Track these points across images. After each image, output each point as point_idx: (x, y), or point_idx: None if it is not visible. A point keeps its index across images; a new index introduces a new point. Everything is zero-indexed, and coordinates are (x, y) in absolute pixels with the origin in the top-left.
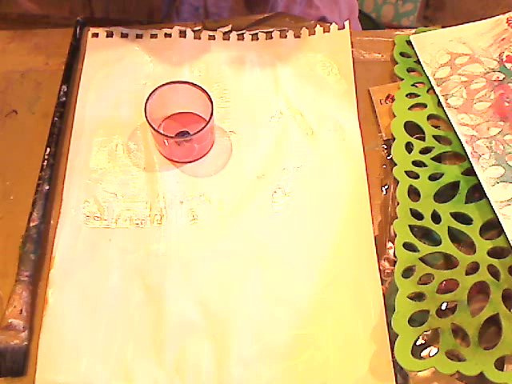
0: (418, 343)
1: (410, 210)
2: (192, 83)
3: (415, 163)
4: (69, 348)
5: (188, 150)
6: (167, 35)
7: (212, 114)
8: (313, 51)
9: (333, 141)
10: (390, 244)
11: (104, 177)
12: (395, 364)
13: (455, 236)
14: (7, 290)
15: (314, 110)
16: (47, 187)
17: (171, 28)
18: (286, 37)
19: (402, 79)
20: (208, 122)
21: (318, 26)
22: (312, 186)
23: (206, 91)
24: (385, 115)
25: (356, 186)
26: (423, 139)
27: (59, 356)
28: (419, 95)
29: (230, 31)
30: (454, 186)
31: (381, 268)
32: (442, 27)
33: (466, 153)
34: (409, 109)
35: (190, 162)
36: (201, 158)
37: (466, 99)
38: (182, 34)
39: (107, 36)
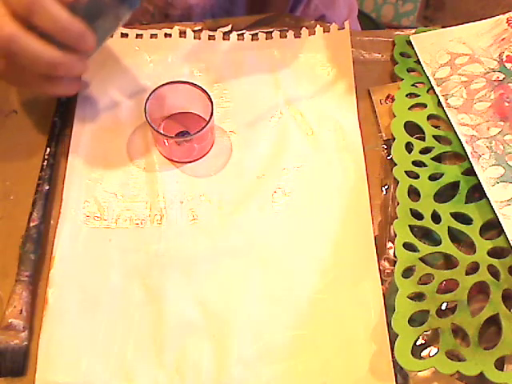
0: (418, 343)
1: (410, 209)
2: (192, 83)
3: (415, 163)
4: (69, 348)
5: (188, 149)
6: (167, 35)
7: (212, 114)
8: (313, 51)
9: (333, 141)
10: (390, 244)
11: (104, 177)
12: (395, 364)
13: (455, 236)
14: (7, 290)
15: (314, 110)
16: (47, 187)
17: (171, 28)
18: (285, 37)
19: (402, 79)
20: (208, 122)
21: (318, 26)
22: (312, 186)
23: (206, 91)
24: (385, 115)
25: (356, 186)
26: (423, 139)
27: (59, 356)
28: (419, 95)
29: (230, 31)
30: (454, 186)
31: (381, 268)
32: (442, 27)
33: (466, 153)
34: (409, 109)
35: (189, 161)
36: (201, 157)
37: (466, 99)
38: (182, 34)
39: None
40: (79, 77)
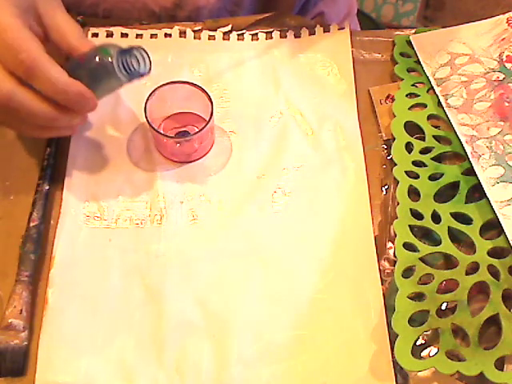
0: (418, 343)
1: (410, 210)
2: (192, 83)
3: (415, 163)
4: (69, 348)
5: (188, 149)
6: (167, 35)
7: (212, 114)
8: (313, 51)
9: (333, 141)
10: (390, 244)
11: (104, 177)
12: (395, 364)
13: (455, 236)
14: (7, 290)
15: (313, 110)
16: (47, 187)
17: (171, 28)
18: (285, 37)
19: (402, 79)
20: (208, 122)
21: (317, 26)
22: (312, 186)
23: (205, 91)
24: (385, 115)
25: (356, 186)
26: (423, 139)
27: (59, 356)
28: (419, 95)
29: (230, 31)
30: (454, 186)
31: (381, 268)
32: (442, 27)
33: (466, 153)
34: (409, 109)
35: (189, 161)
36: (201, 157)
37: (465, 99)
38: (182, 34)
39: (107, 36)
40: (73, 125)
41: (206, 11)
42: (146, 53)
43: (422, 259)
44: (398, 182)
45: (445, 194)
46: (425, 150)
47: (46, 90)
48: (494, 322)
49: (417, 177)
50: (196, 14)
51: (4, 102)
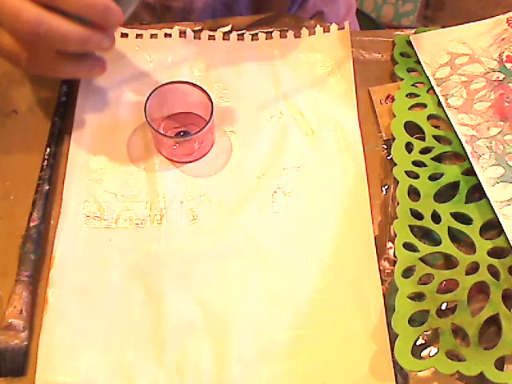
0: (418, 343)
1: (410, 210)
2: (192, 83)
3: (415, 163)
4: (69, 348)
5: (188, 149)
6: (167, 35)
7: (212, 114)
8: (313, 51)
9: (333, 141)
10: (390, 244)
11: (104, 177)
12: (395, 364)
13: (455, 236)
14: (7, 290)
15: (314, 110)
16: (47, 187)
17: (171, 28)
18: (286, 37)
19: (402, 79)
20: (208, 122)
21: (318, 26)
22: (312, 186)
23: (205, 91)
24: (385, 115)
25: (356, 186)
26: (423, 139)
27: (59, 356)
28: (419, 95)
29: (230, 31)
30: (454, 186)
31: (381, 268)
32: (442, 27)
33: (466, 153)
34: (409, 109)
35: (189, 161)
36: (201, 157)
37: (465, 99)
38: (182, 34)
39: None
40: (103, 59)
41: (201, 3)
42: None
43: (422, 259)
44: (398, 182)
45: (445, 194)
46: (425, 150)
47: (71, 8)
48: (494, 321)
49: (417, 177)
50: (190, 5)
51: (34, 30)
